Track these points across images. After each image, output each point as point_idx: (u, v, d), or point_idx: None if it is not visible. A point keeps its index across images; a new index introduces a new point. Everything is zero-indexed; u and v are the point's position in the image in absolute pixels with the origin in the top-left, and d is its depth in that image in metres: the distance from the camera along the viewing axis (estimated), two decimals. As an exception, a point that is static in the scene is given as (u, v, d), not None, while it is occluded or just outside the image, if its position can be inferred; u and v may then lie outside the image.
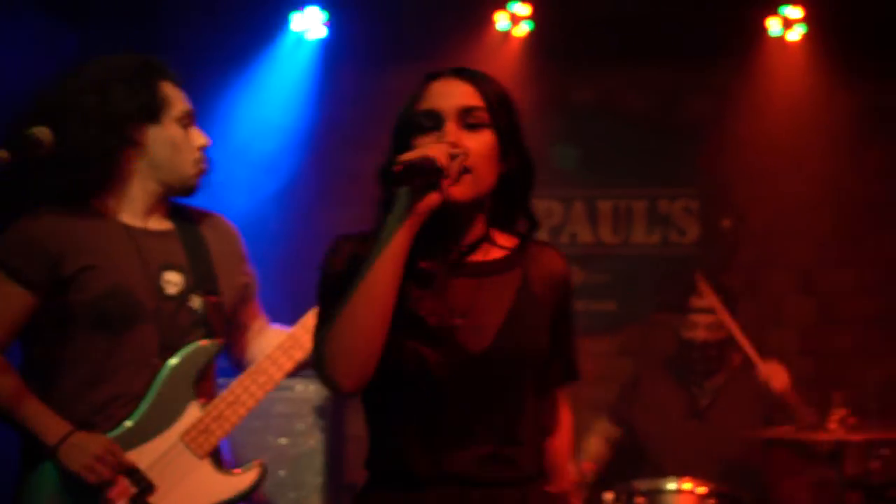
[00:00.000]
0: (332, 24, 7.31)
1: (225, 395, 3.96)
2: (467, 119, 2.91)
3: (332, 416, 6.38)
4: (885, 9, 7.04)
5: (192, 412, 3.90)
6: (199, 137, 3.99)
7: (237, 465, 3.98)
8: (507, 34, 7.38)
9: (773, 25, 7.33)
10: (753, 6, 7.27)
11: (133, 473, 3.76)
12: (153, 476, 3.80)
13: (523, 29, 7.38)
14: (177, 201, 4.05)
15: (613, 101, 7.77)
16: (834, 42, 7.23)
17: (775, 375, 5.92)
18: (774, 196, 7.60)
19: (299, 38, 7.37)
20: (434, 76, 2.98)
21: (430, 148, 2.81)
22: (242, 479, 3.95)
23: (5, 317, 3.78)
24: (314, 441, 6.32)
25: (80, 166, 3.81)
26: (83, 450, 3.69)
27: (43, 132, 3.59)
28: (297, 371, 4.08)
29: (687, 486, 5.48)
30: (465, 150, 2.85)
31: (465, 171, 2.86)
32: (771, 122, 7.46)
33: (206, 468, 3.90)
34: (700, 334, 6.11)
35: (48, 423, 3.73)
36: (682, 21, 7.22)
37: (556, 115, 7.64)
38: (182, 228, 4.01)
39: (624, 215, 7.77)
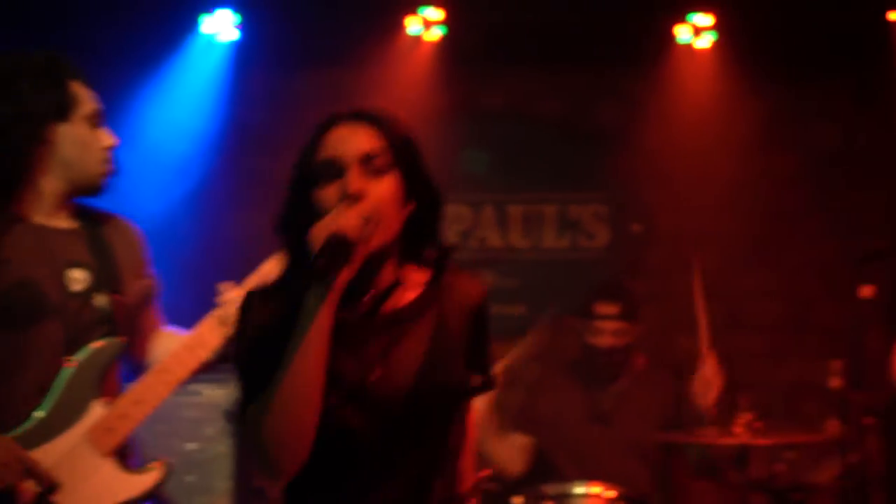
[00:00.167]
0: (244, 26, 7.27)
1: (129, 394, 3.93)
2: (370, 165, 2.83)
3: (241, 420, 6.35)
4: (793, 16, 7.12)
5: (96, 410, 3.86)
6: (106, 138, 3.95)
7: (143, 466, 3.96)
8: (418, 38, 7.38)
9: (681, 33, 7.39)
10: (662, 14, 7.33)
11: (37, 473, 3.72)
12: (57, 475, 3.76)
13: (435, 33, 7.38)
14: (83, 202, 4.01)
15: (524, 106, 7.80)
16: (743, 49, 7.31)
17: (709, 387, 5.95)
18: (683, 201, 7.67)
19: (210, 41, 7.33)
20: (331, 122, 2.90)
21: (339, 219, 2.72)
22: (145, 479, 3.92)
23: None
24: (223, 446, 6.28)
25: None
26: None
27: None
28: (202, 371, 4.06)
29: (595, 489, 5.49)
30: (372, 201, 2.79)
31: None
32: (680, 128, 7.53)
33: (110, 467, 3.86)
34: (606, 340, 6.13)
35: None
36: (592, 27, 7.26)
37: (467, 119, 7.66)
38: (88, 228, 3.98)
39: (534, 220, 7.81)
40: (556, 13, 7.24)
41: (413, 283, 2.94)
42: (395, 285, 2.90)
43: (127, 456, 3.95)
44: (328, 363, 2.75)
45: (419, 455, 2.88)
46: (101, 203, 4.05)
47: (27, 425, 3.77)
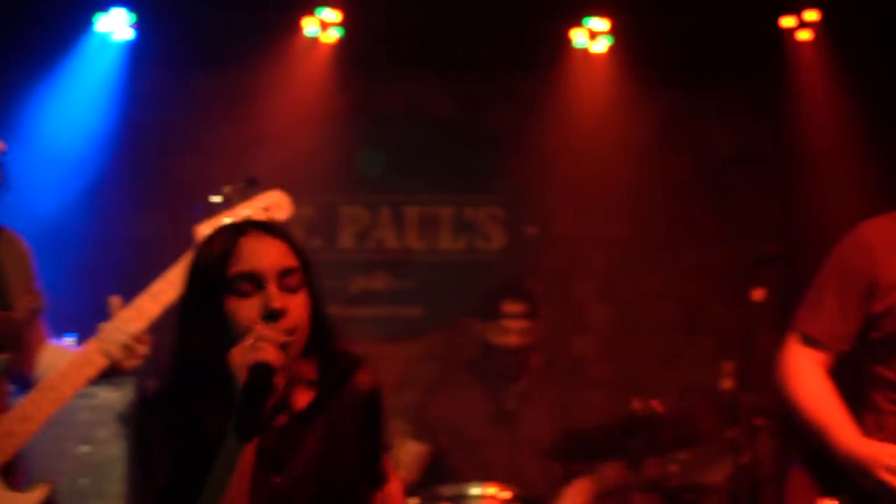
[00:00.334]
0: (139, 25, 7.20)
1: (14, 411, 3.87)
2: (286, 281, 2.83)
3: (135, 423, 6.28)
4: (689, 22, 7.20)
5: None
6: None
7: (34, 476, 3.90)
8: (315, 40, 7.35)
9: (577, 37, 7.43)
10: (559, 18, 7.37)
11: None
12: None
13: (332, 35, 7.35)
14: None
15: (421, 108, 7.81)
16: (639, 54, 7.37)
17: None
18: (578, 204, 7.73)
19: (105, 40, 7.25)
20: (238, 231, 2.87)
21: (261, 352, 2.70)
22: (29, 498, 3.86)
23: None
24: (116, 449, 6.22)
25: None
26: None
27: None
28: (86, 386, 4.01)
29: (491, 490, 5.52)
30: (293, 318, 2.80)
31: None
32: (576, 132, 7.57)
33: None
34: (513, 339, 6.16)
35: None
36: (488, 31, 7.29)
37: (364, 120, 7.66)
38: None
39: (430, 221, 7.82)
40: (453, 16, 7.25)
41: (303, 381, 2.95)
42: (290, 386, 2.89)
43: (12, 474, 3.88)
44: None
45: None
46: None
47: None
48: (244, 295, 2.79)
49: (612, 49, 7.44)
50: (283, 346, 2.73)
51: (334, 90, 7.44)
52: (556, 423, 6.04)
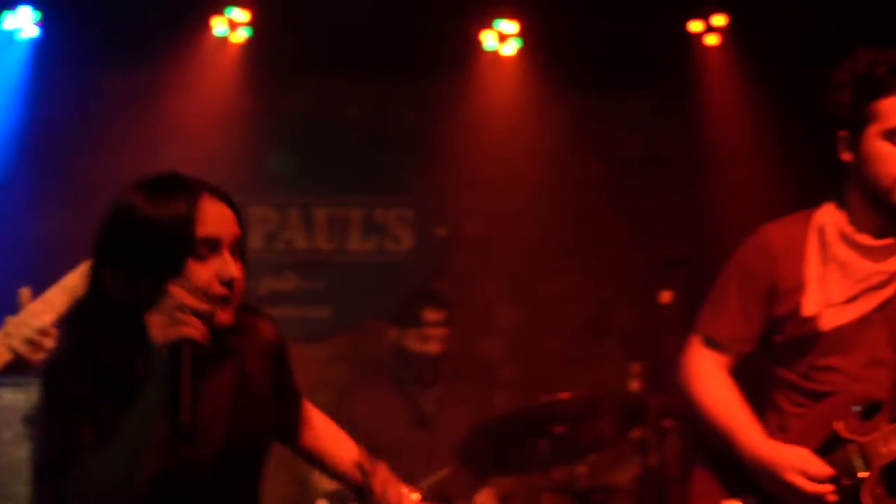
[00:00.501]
0: (45, 23, 7.13)
1: None
2: (235, 248, 2.85)
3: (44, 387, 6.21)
4: (597, 26, 7.24)
5: None
6: None
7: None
8: (224, 39, 7.31)
9: (487, 39, 7.45)
10: (468, 20, 7.39)
11: None
12: None
13: (241, 35, 7.32)
14: None
15: (330, 109, 7.79)
16: (548, 57, 7.40)
17: None
18: (488, 206, 7.75)
19: (11, 37, 7.17)
20: (196, 191, 2.84)
21: (184, 328, 2.68)
22: None
23: None
24: (21, 450, 6.15)
25: None
26: None
27: None
28: None
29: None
30: (239, 286, 2.83)
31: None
32: (486, 134, 7.60)
33: None
34: (434, 346, 6.19)
35: None
36: (398, 32, 7.29)
37: (273, 121, 7.63)
38: None
39: (339, 223, 7.80)
40: (363, 18, 7.25)
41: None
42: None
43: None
44: None
45: (241, 495, 2.92)
46: None
47: None
48: (201, 258, 2.79)
49: (521, 51, 7.46)
50: (205, 317, 2.71)
51: (243, 90, 7.41)
52: (471, 425, 6.07)
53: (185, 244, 2.77)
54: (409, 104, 7.76)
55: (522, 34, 7.41)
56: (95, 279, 2.82)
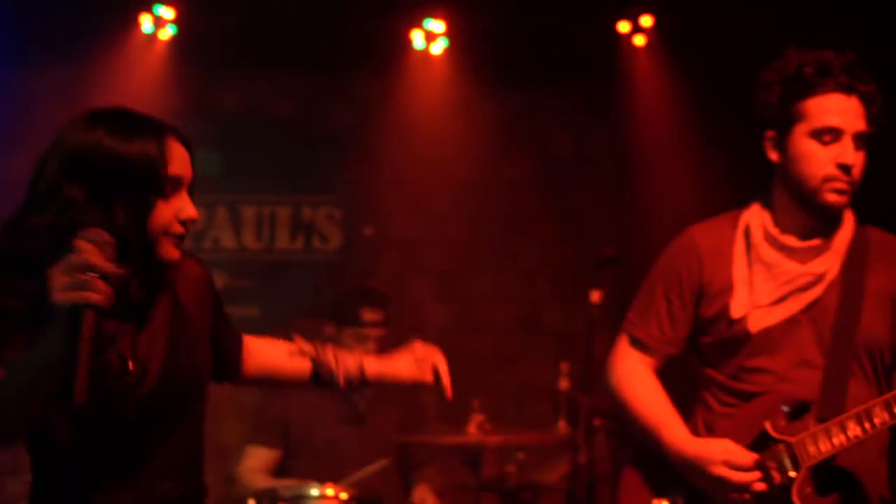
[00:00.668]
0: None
1: None
2: (191, 189, 2.90)
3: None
4: (525, 25, 7.26)
5: None
6: None
7: None
8: (152, 37, 7.26)
9: (416, 38, 7.45)
10: (398, 19, 7.38)
11: None
12: None
13: (168, 32, 7.27)
14: None
15: (258, 107, 7.76)
16: (475, 56, 7.41)
17: None
18: (416, 205, 7.74)
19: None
20: (163, 131, 2.85)
21: (85, 292, 2.56)
22: None
23: None
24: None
25: None
26: None
27: None
28: None
29: (329, 491, 5.50)
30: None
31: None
32: (415, 133, 7.60)
33: None
34: (370, 347, 6.18)
35: None
36: (327, 31, 7.27)
37: (200, 119, 7.57)
38: None
39: (267, 221, 7.78)
40: (291, 16, 7.22)
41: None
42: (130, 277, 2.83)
43: None
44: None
45: (181, 431, 2.90)
46: None
47: None
48: (164, 197, 2.81)
49: (450, 50, 7.46)
50: (107, 278, 2.61)
51: (170, 88, 7.36)
52: (402, 423, 6.08)
53: (156, 183, 2.79)
54: (338, 103, 7.74)
55: (449, 33, 7.41)
56: (61, 195, 2.75)
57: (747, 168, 4.41)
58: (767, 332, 3.86)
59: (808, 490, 3.74)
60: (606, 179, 7.79)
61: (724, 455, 3.79)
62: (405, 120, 7.59)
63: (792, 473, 3.74)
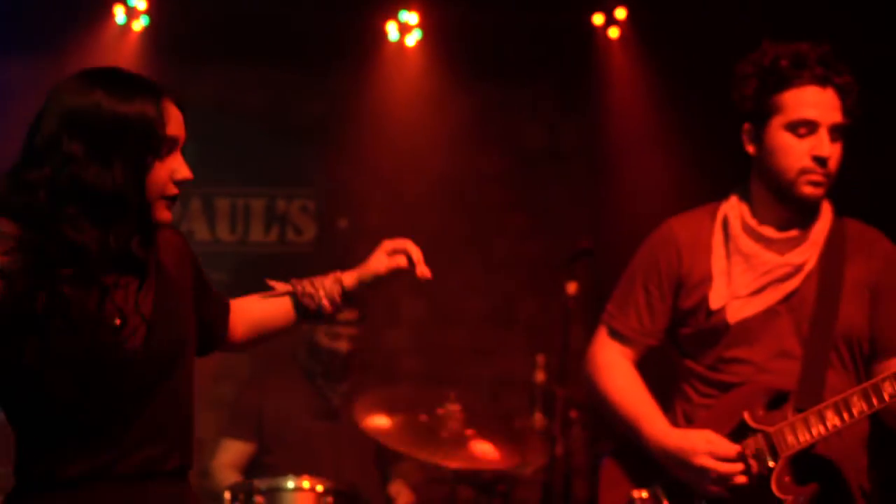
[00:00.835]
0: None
1: None
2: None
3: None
4: (499, 17, 7.26)
5: None
6: None
7: None
8: (125, 27, 7.24)
9: (391, 30, 7.43)
10: (373, 10, 7.36)
11: None
12: None
13: (141, 23, 7.25)
14: None
15: (232, 99, 7.73)
16: (449, 48, 7.40)
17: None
18: (391, 197, 7.73)
19: None
20: (160, 92, 2.86)
21: None
22: None
23: None
24: None
25: None
26: None
27: None
28: None
29: (306, 484, 5.50)
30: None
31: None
32: (389, 125, 7.58)
33: None
34: (344, 345, 6.19)
35: None
36: (301, 22, 7.25)
37: (174, 111, 7.55)
38: None
39: (241, 213, 7.76)
40: (265, 6, 7.21)
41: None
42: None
43: None
44: (73, 309, 2.75)
45: (167, 395, 2.89)
46: None
47: None
48: (161, 157, 2.84)
49: (423, 42, 7.45)
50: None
51: (144, 79, 7.32)
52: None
53: (154, 143, 2.81)
54: (312, 95, 7.73)
55: (423, 25, 7.40)
56: (60, 149, 2.78)
57: (721, 161, 4.44)
58: (746, 323, 3.88)
59: (787, 479, 3.76)
60: (580, 172, 7.79)
61: (706, 446, 3.80)
62: (379, 112, 7.58)
63: (771, 463, 3.76)
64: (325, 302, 3.33)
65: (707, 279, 3.95)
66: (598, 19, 7.40)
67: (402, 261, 3.36)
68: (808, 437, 3.75)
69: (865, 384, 3.74)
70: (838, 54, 3.89)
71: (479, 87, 7.66)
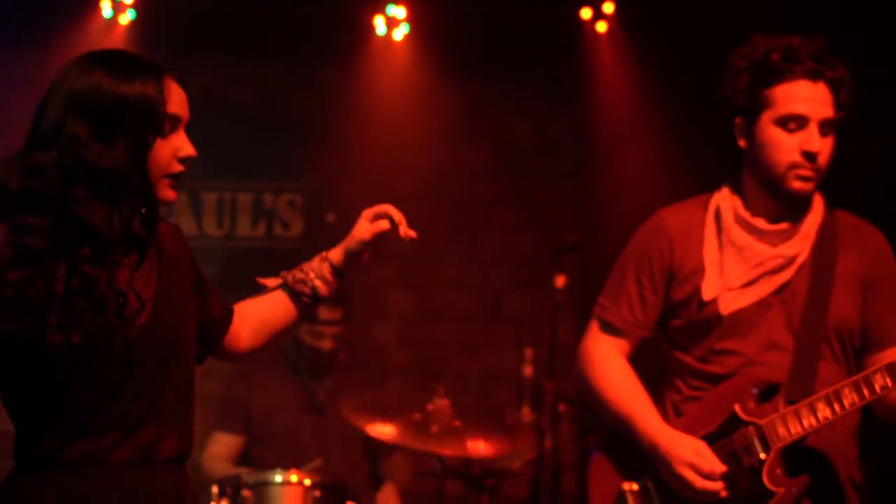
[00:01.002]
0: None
1: None
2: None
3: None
4: (487, 12, 7.26)
5: None
6: None
7: None
8: (112, 21, 7.22)
9: (378, 24, 7.42)
10: (360, 5, 7.36)
11: None
12: None
13: (128, 17, 7.23)
14: None
15: (219, 93, 7.72)
16: (437, 42, 7.40)
17: None
18: (379, 192, 7.63)
19: None
20: (161, 72, 2.90)
21: None
22: None
23: None
24: None
25: None
26: None
27: None
28: None
29: (293, 477, 5.50)
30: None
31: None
32: (377, 120, 7.58)
33: None
34: (327, 344, 6.19)
35: None
36: (289, 17, 7.24)
37: (161, 105, 7.54)
38: None
39: (228, 208, 7.75)
40: (253, 1, 7.20)
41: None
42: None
43: None
44: (77, 283, 2.79)
45: (167, 379, 2.90)
46: None
47: None
48: (163, 136, 2.87)
49: (411, 37, 7.45)
50: None
51: (130, 73, 7.30)
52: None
53: (155, 122, 2.84)
54: (300, 89, 7.72)
55: (411, 19, 7.39)
56: (65, 131, 2.81)
57: (709, 155, 4.44)
58: (738, 315, 3.88)
59: (779, 472, 3.77)
60: (568, 166, 7.80)
61: (692, 457, 3.80)
62: (367, 106, 7.57)
63: (762, 455, 3.76)
64: (318, 283, 3.35)
65: (699, 270, 3.94)
66: (585, 14, 7.40)
67: (384, 224, 3.40)
68: (799, 429, 3.75)
69: (857, 376, 3.73)
70: (831, 48, 3.89)
71: (466, 82, 7.66)
